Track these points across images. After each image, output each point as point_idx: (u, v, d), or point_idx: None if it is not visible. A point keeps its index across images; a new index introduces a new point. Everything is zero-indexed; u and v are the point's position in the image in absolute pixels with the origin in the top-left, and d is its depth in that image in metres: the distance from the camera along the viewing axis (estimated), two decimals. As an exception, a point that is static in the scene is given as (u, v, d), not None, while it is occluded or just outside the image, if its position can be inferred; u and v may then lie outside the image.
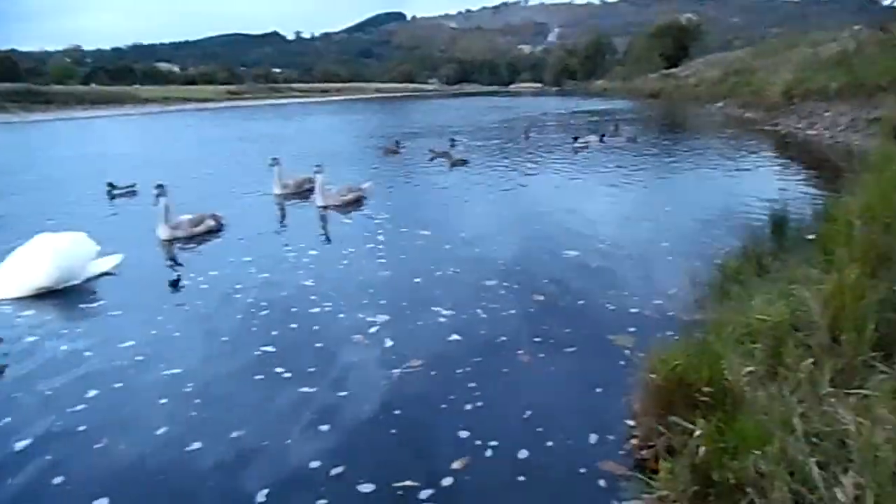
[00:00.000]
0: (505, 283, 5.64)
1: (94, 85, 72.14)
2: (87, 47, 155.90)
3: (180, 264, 6.98)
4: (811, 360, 2.58)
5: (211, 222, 8.17)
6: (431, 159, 14.62)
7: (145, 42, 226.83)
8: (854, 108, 15.66)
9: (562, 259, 6.43)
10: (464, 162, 14.11)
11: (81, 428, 3.38)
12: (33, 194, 11.77)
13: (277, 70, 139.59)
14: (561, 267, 6.16)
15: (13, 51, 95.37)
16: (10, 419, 3.50)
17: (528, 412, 3.41)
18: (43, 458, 3.10)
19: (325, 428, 3.35)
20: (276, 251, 7.15)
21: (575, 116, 31.46)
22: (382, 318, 4.89)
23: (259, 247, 7.36)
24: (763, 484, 2.06)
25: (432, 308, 5.04)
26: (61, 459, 3.10)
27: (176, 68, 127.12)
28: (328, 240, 7.91)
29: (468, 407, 3.50)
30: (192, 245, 7.63)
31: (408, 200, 10.46)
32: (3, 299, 5.49)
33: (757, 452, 2.11)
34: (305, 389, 3.76)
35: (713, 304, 4.01)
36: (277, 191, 10.39)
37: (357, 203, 9.63)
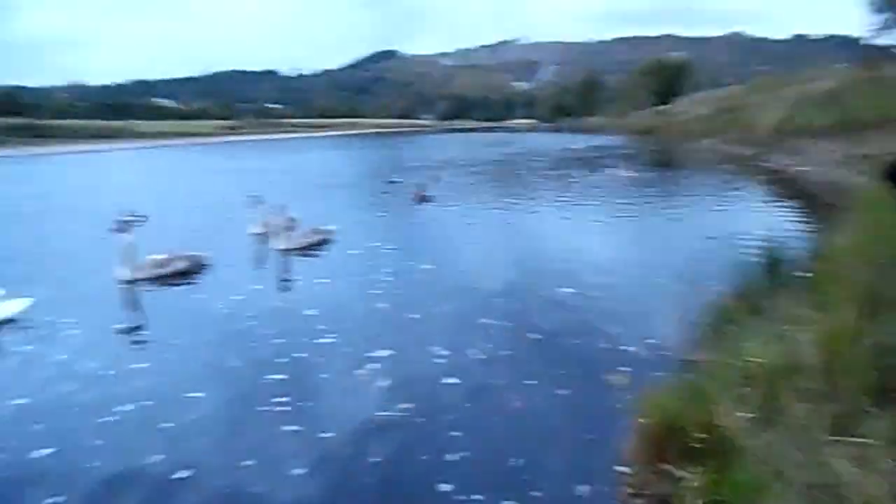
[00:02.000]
0: (501, 322, 5.59)
1: (93, 120, 72.66)
2: (90, 83, 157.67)
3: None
4: (807, 405, 2.52)
5: (180, 264, 7.58)
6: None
7: (145, 78, 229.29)
8: (843, 144, 15.85)
9: (557, 296, 6.40)
10: (427, 198, 14.16)
11: None
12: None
13: (274, 106, 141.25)
14: (556, 304, 6.14)
15: (17, 87, 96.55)
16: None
17: (517, 460, 3.31)
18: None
19: (301, 472, 3.28)
20: (251, 295, 6.92)
21: (568, 152, 31.76)
22: (384, 353, 4.89)
23: (231, 291, 6.94)
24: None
25: (429, 347, 4.98)
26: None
27: (174, 104, 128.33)
28: (324, 277, 7.69)
29: (454, 457, 3.38)
30: (153, 288, 7.10)
31: (403, 236, 10.35)
32: None
33: (752, 506, 2.03)
34: (294, 427, 3.68)
35: (707, 345, 3.95)
36: (256, 230, 9.75)
37: (320, 244, 9.21)
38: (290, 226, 9.52)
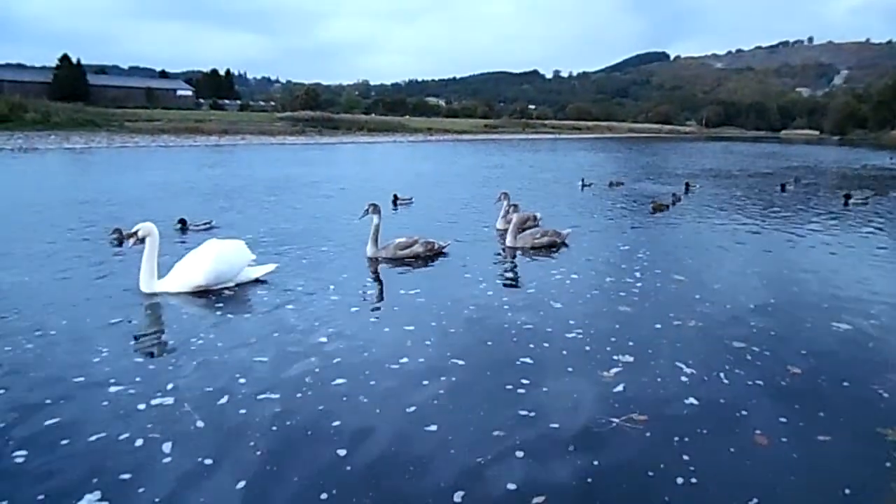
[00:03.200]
0: (755, 348, 5.08)
1: (373, 115, 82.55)
2: (372, 82, 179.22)
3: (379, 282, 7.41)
4: None
5: (419, 248, 8.28)
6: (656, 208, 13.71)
7: (419, 78, 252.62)
8: None
9: (827, 330, 5.61)
10: (666, 207, 13.58)
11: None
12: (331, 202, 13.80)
13: (533, 106, 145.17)
14: (825, 339, 5.38)
15: (318, 84, 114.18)
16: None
17: (753, 501, 2.99)
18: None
19: (519, 455, 3.37)
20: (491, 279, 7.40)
21: (857, 171, 27.41)
22: (627, 358, 4.82)
23: (463, 279, 7.42)
24: None
25: (675, 363, 4.75)
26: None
27: (442, 102, 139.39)
28: (556, 277, 7.72)
29: (678, 480, 3.15)
30: (395, 267, 7.90)
31: (654, 244, 9.87)
32: (168, 292, 6.34)
33: None
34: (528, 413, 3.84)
35: None
36: (500, 226, 10.33)
37: (551, 248, 9.09)
38: (529, 225, 9.78)
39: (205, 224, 10.11)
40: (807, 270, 8.08)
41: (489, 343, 5.18)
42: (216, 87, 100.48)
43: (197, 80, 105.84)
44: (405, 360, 4.72)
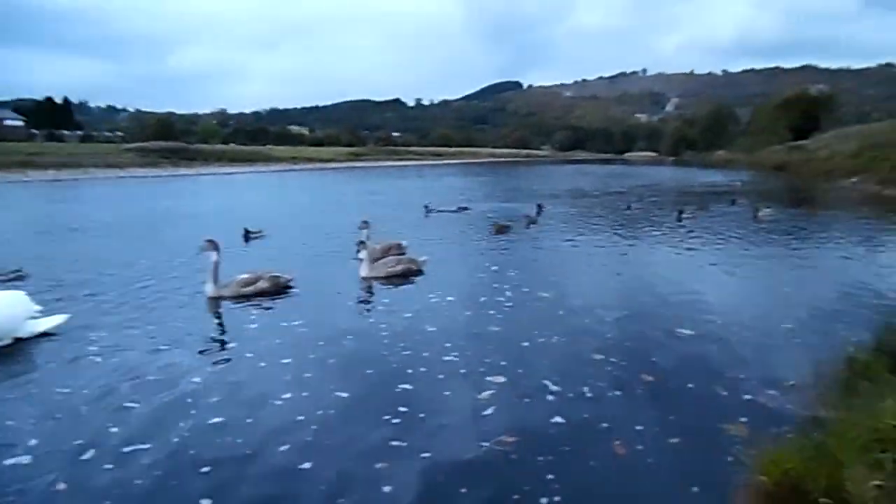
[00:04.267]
0: (612, 359, 5.45)
1: (233, 144, 79.28)
2: (231, 111, 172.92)
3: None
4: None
5: (264, 284, 7.82)
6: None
7: (280, 107, 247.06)
8: None
9: (674, 337, 6.13)
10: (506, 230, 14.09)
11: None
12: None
13: (397, 134, 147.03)
14: (671, 345, 5.88)
15: (171, 113, 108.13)
16: None
17: None
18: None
19: (388, 489, 3.37)
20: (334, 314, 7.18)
21: (691, 187, 30.49)
22: (499, 379, 4.97)
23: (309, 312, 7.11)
24: None
25: (543, 381, 4.94)
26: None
27: (305, 131, 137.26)
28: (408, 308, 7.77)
29: (542, 501, 3.26)
30: (235, 306, 7.40)
31: (523, 264, 10.28)
32: None
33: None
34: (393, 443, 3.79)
35: (837, 402, 3.64)
36: (363, 256, 9.18)
37: (407, 276, 8.92)
38: (392, 253, 9.72)
39: (13, 272, 8.89)
40: (651, 282, 8.82)
41: (369, 371, 5.18)
42: (52, 117, 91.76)
43: (28, 108, 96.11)
44: (277, 400, 4.55)
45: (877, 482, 2.36)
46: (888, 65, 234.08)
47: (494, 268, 9.84)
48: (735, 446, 3.62)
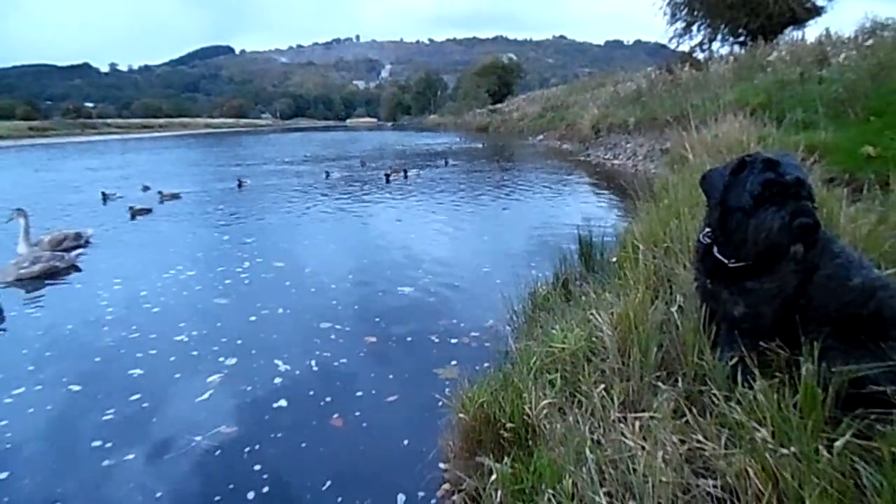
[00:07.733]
0: (338, 326, 5.45)
1: None
2: None
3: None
4: (603, 385, 2.65)
5: None
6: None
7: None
8: (649, 139, 17.55)
9: (394, 296, 6.37)
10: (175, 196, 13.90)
11: None
12: None
13: (90, 105, 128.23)
14: (393, 304, 6.09)
15: None
16: None
17: (328, 483, 3.16)
18: None
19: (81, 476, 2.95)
20: None
21: (407, 149, 32.18)
22: (230, 361, 4.71)
23: None
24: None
25: (273, 360, 4.74)
26: None
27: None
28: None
29: (249, 495, 3.10)
30: None
31: (261, 234, 9.59)
32: None
33: (551, 491, 2.10)
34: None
35: (522, 334, 4.11)
36: (23, 250, 7.82)
37: (55, 275, 7.37)
38: (67, 246, 8.55)
39: None
40: (373, 244, 9.08)
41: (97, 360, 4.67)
42: None
43: None
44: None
45: (548, 400, 2.67)
46: (561, 37, 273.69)
47: (236, 237, 9.46)
48: (447, 390, 3.88)
